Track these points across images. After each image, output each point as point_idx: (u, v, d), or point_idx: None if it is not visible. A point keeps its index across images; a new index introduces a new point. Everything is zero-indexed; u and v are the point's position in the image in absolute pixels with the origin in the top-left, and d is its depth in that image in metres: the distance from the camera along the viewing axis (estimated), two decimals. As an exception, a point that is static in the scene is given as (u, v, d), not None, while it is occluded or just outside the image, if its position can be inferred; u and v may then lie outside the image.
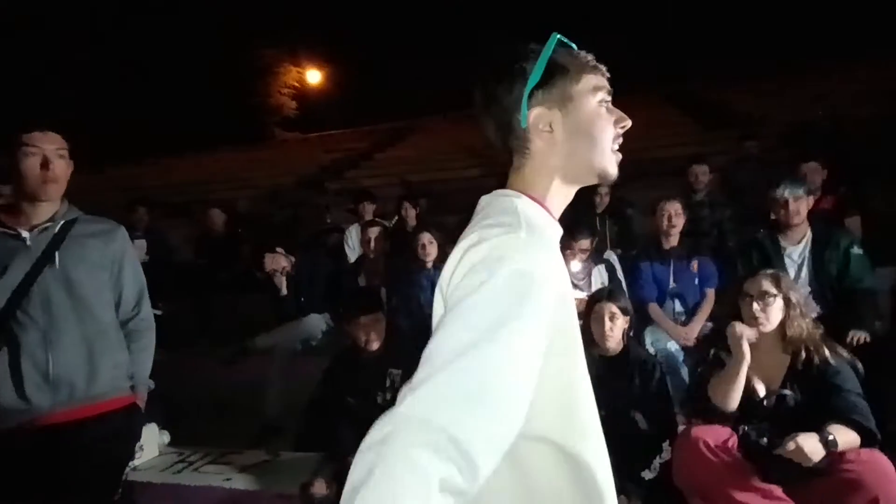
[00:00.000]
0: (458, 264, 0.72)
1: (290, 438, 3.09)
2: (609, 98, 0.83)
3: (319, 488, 2.26)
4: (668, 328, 3.11)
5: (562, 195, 0.84)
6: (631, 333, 2.47)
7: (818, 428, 1.84)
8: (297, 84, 18.88)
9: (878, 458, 1.83)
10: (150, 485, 2.71)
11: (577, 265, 3.18)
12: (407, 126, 12.16)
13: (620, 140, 0.84)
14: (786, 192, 2.90)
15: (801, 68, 10.04)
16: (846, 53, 10.42)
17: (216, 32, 15.55)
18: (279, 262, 3.90)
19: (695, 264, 3.22)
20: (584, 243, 3.21)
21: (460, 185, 7.44)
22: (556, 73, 0.80)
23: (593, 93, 0.82)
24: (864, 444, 1.85)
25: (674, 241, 3.28)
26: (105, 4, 14.71)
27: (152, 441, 2.95)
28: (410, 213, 4.80)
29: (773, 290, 2.06)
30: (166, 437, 3.08)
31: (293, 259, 3.95)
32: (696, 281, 3.19)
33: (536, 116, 0.81)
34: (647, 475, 2.10)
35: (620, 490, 2.05)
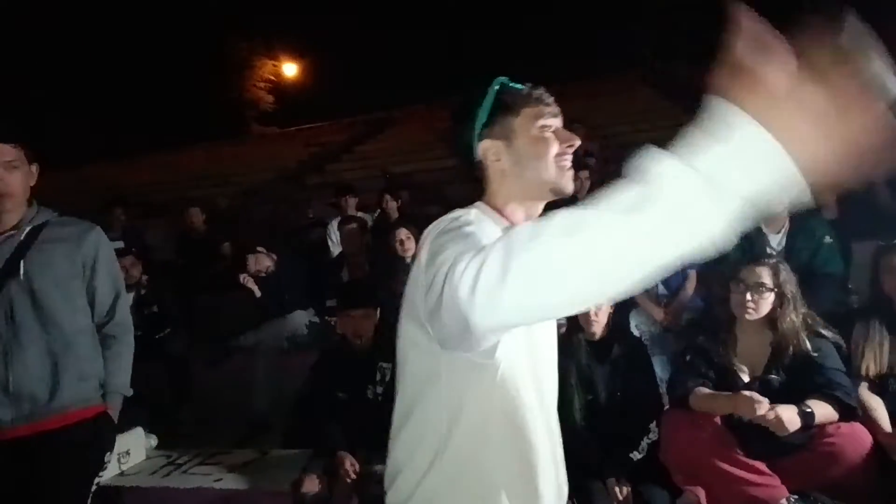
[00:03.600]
0: (427, 243, 0.83)
1: (279, 436, 3.08)
2: (552, 123, 0.96)
3: (310, 485, 2.25)
4: (651, 310, 3.15)
5: (521, 211, 0.98)
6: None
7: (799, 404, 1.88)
8: (273, 77, 18.59)
9: (858, 431, 1.88)
10: (139, 489, 2.68)
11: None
12: (387, 117, 12.06)
13: (568, 158, 0.96)
14: None
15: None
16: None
17: (190, 26, 15.21)
18: (263, 262, 3.85)
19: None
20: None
21: (443, 175, 7.42)
22: (498, 112, 0.96)
23: (533, 121, 0.95)
24: (844, 419, 1.89)
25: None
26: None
27: (139, 445, 2.91)
28: (392, 206, 4.77)
29: (769, 283, 2.05)
30: (153, 441, 3.04)
31: (275, 257, 3.90)
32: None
33: (485, 149, 0.97)
34: (636, 456, 2.13)
35: (610, 472, 2.10)
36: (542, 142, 0.95)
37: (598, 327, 2.36)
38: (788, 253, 2.89)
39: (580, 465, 2.07)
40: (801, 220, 2.91)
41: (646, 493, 2.04)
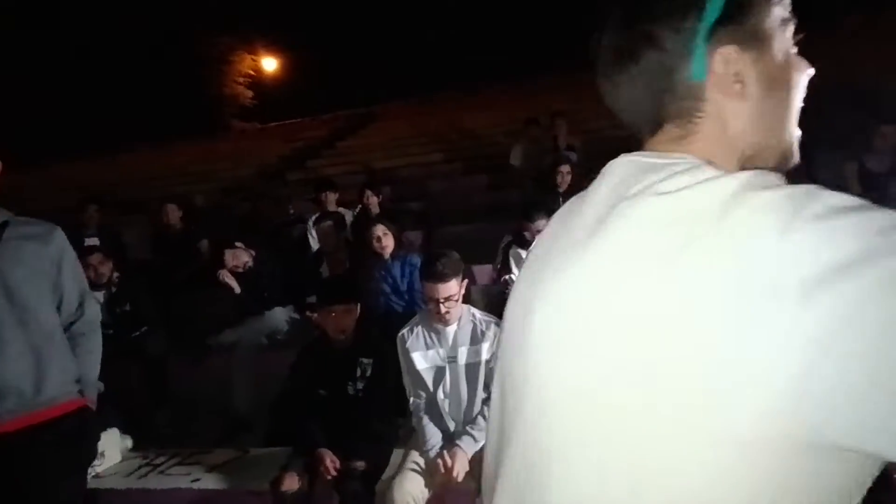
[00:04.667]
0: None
1: (260, 434, 3.04)
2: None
3: (290, 483, 2.22)
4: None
5: None
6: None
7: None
8: (252, 73, 18.37)
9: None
10: (115, 491, 2.63)
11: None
12: (368, 112, 12.00)
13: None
14: None
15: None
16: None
17: (167, 21, 14.94)
18: (240, 257, 3.80)
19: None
20: (542, 223, 3.23)
21: (424, 170, 7.41)
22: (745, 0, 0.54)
23: (784, 28, 0.56)
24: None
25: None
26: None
27: (114, 446, 2.85)
28: (372, 201, 4.74)
29: None
30: (129, 442, 2.98)
31: (254, 253, 3.86)
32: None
33: (723, 63, 0.54)
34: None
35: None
36: (798, 69, 0.57)
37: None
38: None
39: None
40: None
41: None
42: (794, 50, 0.58)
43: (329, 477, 2.19)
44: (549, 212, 3.45)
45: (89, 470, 2.63)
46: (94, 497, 2.60)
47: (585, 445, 0.50)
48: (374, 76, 15.55)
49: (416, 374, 2.28)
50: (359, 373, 2.50)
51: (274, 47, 18.08)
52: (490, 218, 5.26)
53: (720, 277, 0.44)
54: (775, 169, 0.55)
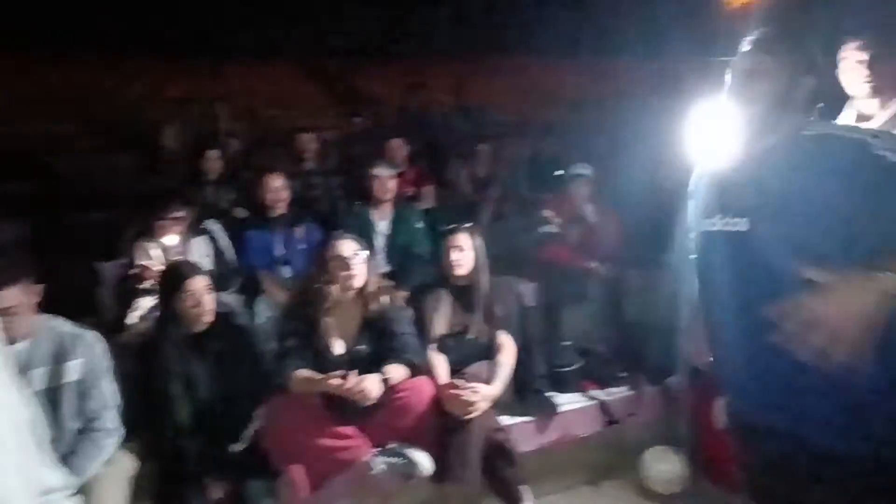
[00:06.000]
0: None
1: None
2: None
3: None
4: (277, 295, 3.15)
5: None
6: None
7: (379, 370, 2.15)
8: None
9: (423, 384, 2.26)
10: None
11: (173, 238, 2.88)
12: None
13: None
14: (382, 171, 3.34)
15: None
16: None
17: None
18: None
19: (301, 230, 3.34)
20: (178, 213, 2.93)
21: (46, 143, 5.91)
22: None
23: None
24: (413, 375, 2.25)
25: (281, 210, 3.33)
26: None
27: None
28: None
29: (357, 249, 2.30)
30: None
31: None
32: (303, 247, 3.33)
33: None
34: (237, 448, 2.09)
35: (208, 472, 1.99)
36: None
37: (208, 316, 2.20)
38: (392, 236, 3.32)
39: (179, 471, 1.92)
40: (401, 209, 3.38)
41: (245, 487, 2.01)
42: None
43: None
44: (187, 202, 3.18)
45: None
46: None
47: None
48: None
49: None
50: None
51: None
52: (137, 205, 4.55)
53: None
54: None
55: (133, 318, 2.56)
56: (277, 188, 3.21)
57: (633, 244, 3.67)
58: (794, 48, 1.20)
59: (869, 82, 1.64)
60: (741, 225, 1.19)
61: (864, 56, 1.64)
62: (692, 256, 1.43)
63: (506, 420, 2.46)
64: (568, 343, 3.19)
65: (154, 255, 2.85)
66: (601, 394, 2.87)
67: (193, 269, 2.24)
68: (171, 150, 5.14)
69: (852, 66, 1.67)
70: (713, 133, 1.34)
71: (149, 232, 2.89)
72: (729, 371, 1.29)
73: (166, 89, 6.86)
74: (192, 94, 6.19)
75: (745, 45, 1.25)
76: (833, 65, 1.66)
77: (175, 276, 2.21)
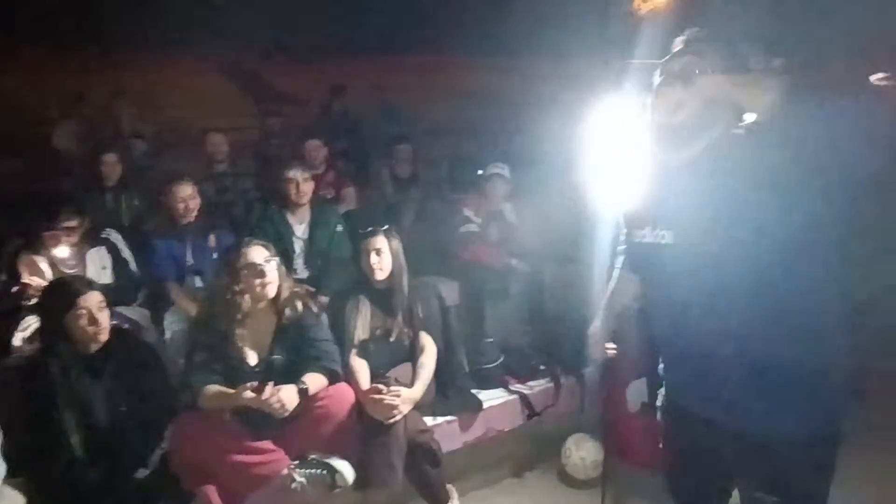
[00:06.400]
0: None
1: None
2: None
3: None
4: (188, 307, 2.98)
5: None
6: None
7: (297, 379, 2.09)
8: None
9: (343, 390, 2.22)
10: None
11: (64, 250, 2.65)
12: None
13: None
14: (297, 174, 3.22)
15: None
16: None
17: None
18: None
19: (213, 239, 3.17)
20: (71, 222, 2.69)
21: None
22: None
23: None
24: (332, 382, 2.20)
25: (191, 217, 3.14)
26: None
27: None
28: None
29: (268, 255, 2.21)
30: None
31: None
32: (216, 255, 3.16)
33: None
34: (143, 473, 1.95)
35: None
36: None
37: (103, 335, 2.04)
38: (310, 240, 3.24)
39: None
40: (319, 212, 3.30)
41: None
42: None
43: None
44: (81, 210, 2.92)
45: None
46: None
47: None
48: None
49: None
50: None
51: None
52: (22, 214, 4.12)
53: None
54: None
55: (18, 339, 2.33)
56: (186, 197, 3.02)
57: (551, 241, 3.80)
58: (725, 51, 1.16)
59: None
60: (668, 238, 1.21)
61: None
62: (620, 263, 1.52)
63: (430, 420, 2.48)
64: (490, 340, 3.25)
65: (43, 269, 2.60)
66: (522, 387, 2.95)
67: (85, 284, 2.07)
68: (64, 152, 4.72)
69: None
70: (628, 135, 1.30)
71: (37, 243, 2.63)
72: (672, 369, 1.37)
73: (58, 84, 6.29)
74: (89, 90, 5.72)
75: (676, 46, 1.22)
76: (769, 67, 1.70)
77: (64, 293, 2.03)
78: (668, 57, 1.21)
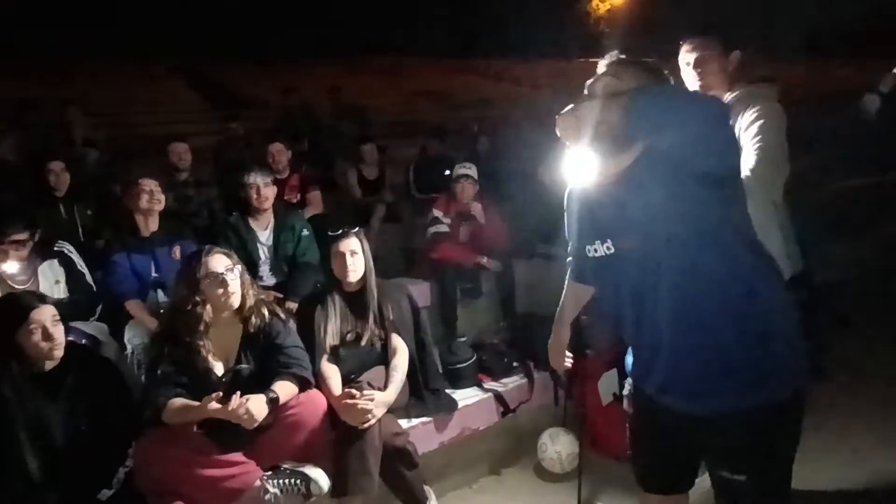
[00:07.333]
0: None
1: None
2: None
3: None
4: (148, 323, 2.86)
5: None
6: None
7: (266, 388, 2.03)
8: None
9: (315, 397, 2.17)
10: None
11: (13, 265, 2.52)
12: None
13: None
14: (257, 179, 3.14)
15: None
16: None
17: None
18: None
19: (177, 250, 3.05)
20: (20, 235, 2.55)
21: None
22: None
23: None
24: (302, 389, 2.15)
25: (153, 226, 3.03)
26: None
27: None
28: None
29: (230, 264, 2.14)
30: None
31: None
32: (179, 267, 3.05)
33: None
34: (105, 494, 1.87)
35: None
36: None
37: (57, 352, 1.94)
38: (275, 246, 3.17)
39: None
40: (283, 217, 3.23)
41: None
42: None
43: None
44: (31, 222, 2.77)
45: None
46: None
47: None
48: None
49: None
50: None
51: None
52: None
53: None
54: None
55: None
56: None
57: (520, 238, 3.83)
58: (638, 72, 1.24)
59: (699, 81, 1.84)
60: (612, 248, 1.28)
61: (692, 57, 1.84)
62: (568, 275, 1.59)
63: (405, 423, 2.45)
64: (463, 339, 3.25)
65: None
66: (496, 385, 2.95)
67: (37, 298, 1.97)
68: (11, 162, 4.50)
69: (684, 68, 1.86)
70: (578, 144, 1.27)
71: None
72: (634, 360, 1.42)
73: (5, 90, 6.02)
74: (39, 97, 5.49)
75: (600, 68, 1.30)
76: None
77: (15, 308, 1.93)
78: (591, 79, 1.29)
